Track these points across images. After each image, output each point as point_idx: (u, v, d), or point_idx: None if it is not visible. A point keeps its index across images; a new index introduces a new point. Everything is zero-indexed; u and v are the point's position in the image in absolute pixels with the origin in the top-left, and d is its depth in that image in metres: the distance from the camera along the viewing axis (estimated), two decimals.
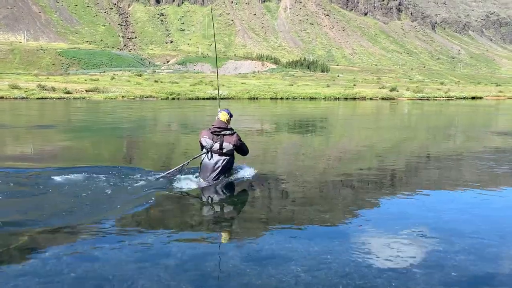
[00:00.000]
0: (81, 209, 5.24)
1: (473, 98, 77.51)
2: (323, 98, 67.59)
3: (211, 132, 6.51)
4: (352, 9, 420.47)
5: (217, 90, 72.40)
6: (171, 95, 62.90)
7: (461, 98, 75.82)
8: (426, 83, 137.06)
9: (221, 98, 63.80)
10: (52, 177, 6.75)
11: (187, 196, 6.08)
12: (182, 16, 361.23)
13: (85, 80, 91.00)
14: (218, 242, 4.36)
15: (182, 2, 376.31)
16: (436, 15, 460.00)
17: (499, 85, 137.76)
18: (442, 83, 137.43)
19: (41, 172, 7.45)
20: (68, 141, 13.40)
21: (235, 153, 6.74)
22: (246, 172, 7.17)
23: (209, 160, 6.51)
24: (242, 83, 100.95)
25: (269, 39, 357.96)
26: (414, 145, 13.25)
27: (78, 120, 23.19)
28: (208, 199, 6.02)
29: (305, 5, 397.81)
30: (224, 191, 6.37)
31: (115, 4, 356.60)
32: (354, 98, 70.02)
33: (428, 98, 73.80)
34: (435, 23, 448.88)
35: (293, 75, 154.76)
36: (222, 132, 6.48)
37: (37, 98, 53.90)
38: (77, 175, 6.88)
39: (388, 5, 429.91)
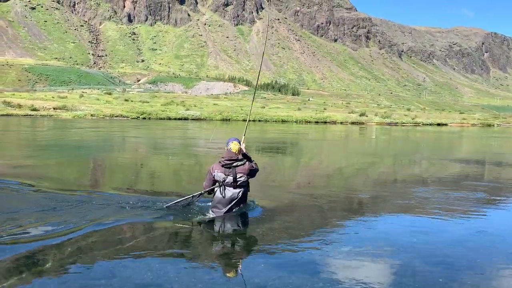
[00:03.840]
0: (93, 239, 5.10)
1: (438, 124, 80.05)
2: (295, 121, 68.25)
3: (222, 166, 6.11)
4: (322, 35, 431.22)
5: (189, 111, 72.20)
6: (142, 114, 62.07)
7: (428, 124, 78.17)
8: (394, 108, 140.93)
9: (193, 119, 63.45)
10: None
11: (198, 227, 5.89)
12: (155, 36, 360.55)
13: (53, 97, 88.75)
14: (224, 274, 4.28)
15: (155, 22, 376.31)
16: (403, 43, 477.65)
17: (462, 113, 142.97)
18: (408, 109, 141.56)
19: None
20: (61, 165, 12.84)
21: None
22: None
23: (222, 195, 6.12)
24: (214, 104, 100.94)
25: (241, 62, 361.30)
26: (382, 170, 13.42)
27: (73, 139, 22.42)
28: (219, 231, 5.81)
29: (277, 30, 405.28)
30: (235, 223, 6.09)
31: (86, 21, 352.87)
32: (325, 122, 71.04)
33: (396, 124, 75.73)
34: (402, 51, 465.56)
35: (265, 98, 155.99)
36: (234, 164, 6.07)
37: (1, 115, 52.05)
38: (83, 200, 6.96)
39: (357, 32, 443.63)
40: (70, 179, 10.08)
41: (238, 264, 4.56)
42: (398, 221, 6.60)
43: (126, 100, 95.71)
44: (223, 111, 76.73)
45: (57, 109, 62.72)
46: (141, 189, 8.73)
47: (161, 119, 60.49)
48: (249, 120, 7.38)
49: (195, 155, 17.14)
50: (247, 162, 6.16)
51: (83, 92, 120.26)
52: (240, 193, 6.16)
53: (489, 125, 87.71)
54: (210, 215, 6.22)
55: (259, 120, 66.12)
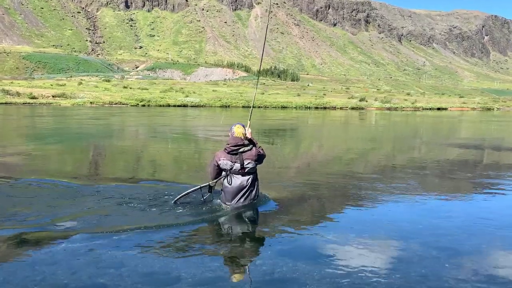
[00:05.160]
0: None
1: (438, 109, 79.85)
2: (295, 107, 68.09)
3: (228, 153, 5.72)
4: (321, 20, 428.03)
5: (188, 98, 71.97)
6: (141, 101, 61.92)
7: (428, 109, 77.97)
8: (393, 93, 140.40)
9: (192, 106, 63.33)
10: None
11: (205, 219, 5.66)
12: (152, 22, 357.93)
13: (51, 85, 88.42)
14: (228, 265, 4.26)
15: (152, 8, 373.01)
16: (402, 27, 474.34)
17: (462, 97, 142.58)
18: (408, 94, 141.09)
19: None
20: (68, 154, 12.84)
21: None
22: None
23: (230, 184, 5.75)
24: (213, 91, 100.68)
25: (240, 47, 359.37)
26: (382, 155, 13.45)
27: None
28: (226, 222, 5.62)
29: (276, 15, 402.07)
30: (242, 214, 5.78)
31: (83, 8, 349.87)
32: (325, 108, 70.88)
33: (396, 109, 75.55)
34: (401, 35, 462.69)
35: (264, 84, 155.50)
36: (240, 150, 5.67)
37: (0, 103, 51.93)
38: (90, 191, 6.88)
39: (356, 16, 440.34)
40: (72, 169, 10.10)
41: (245, 253, 4.58)
42: (402, 207, 6.62)
43: (124, 87, 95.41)
44: (222, 97, 76.54)
45: (56, 97, 62.56)
46: (149, 179, 8.73)
47: (160, 106, 60.34)
48: (253, 106, 7.13)
49: (202, 141, 17.16)
50: (254, 148, 5.78)
51: (82, 80, 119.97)
52: (250, 180, 5.78)
53: (489, 109, 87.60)
54: (221, 206, 5.93)
55: (259, 107, 65.93)
